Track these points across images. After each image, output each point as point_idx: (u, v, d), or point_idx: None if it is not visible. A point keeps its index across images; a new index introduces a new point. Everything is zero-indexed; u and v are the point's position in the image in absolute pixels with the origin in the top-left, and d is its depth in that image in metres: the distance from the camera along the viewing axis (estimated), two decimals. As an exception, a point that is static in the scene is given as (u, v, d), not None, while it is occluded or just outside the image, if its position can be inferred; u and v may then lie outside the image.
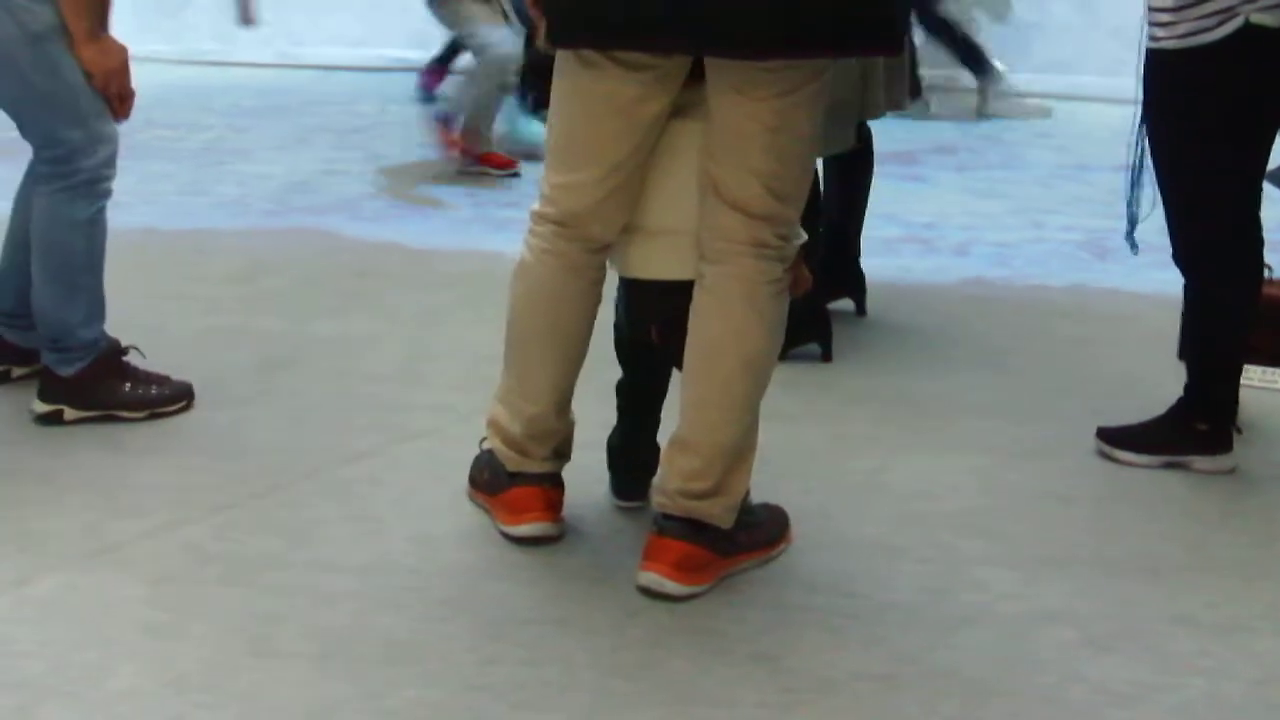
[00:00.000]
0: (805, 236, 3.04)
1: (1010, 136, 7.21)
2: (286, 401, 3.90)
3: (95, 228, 3.66)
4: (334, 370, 4.13)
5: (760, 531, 3.10)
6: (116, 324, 4.20)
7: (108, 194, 3.66)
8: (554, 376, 3.09)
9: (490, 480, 3.22)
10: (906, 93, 4.39)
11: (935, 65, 7.37)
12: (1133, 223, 3.67)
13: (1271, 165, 3.52)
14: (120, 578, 3.00)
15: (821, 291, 4.17)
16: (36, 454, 3.55)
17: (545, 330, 3.07)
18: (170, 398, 3.80)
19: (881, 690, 2.66)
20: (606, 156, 2.92)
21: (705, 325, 2.93)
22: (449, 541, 3.13)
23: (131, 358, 3.83)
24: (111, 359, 3.77)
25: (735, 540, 3.02)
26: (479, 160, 6.24)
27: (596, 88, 2.88)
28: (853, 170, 4.43)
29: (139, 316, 4.46)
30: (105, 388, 3.73)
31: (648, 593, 2.93)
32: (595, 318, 3.08)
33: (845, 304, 4.51)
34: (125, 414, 3.73)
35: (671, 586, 2.93)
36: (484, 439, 3.25)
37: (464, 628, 2.84)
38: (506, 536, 3.13)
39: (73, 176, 3.58)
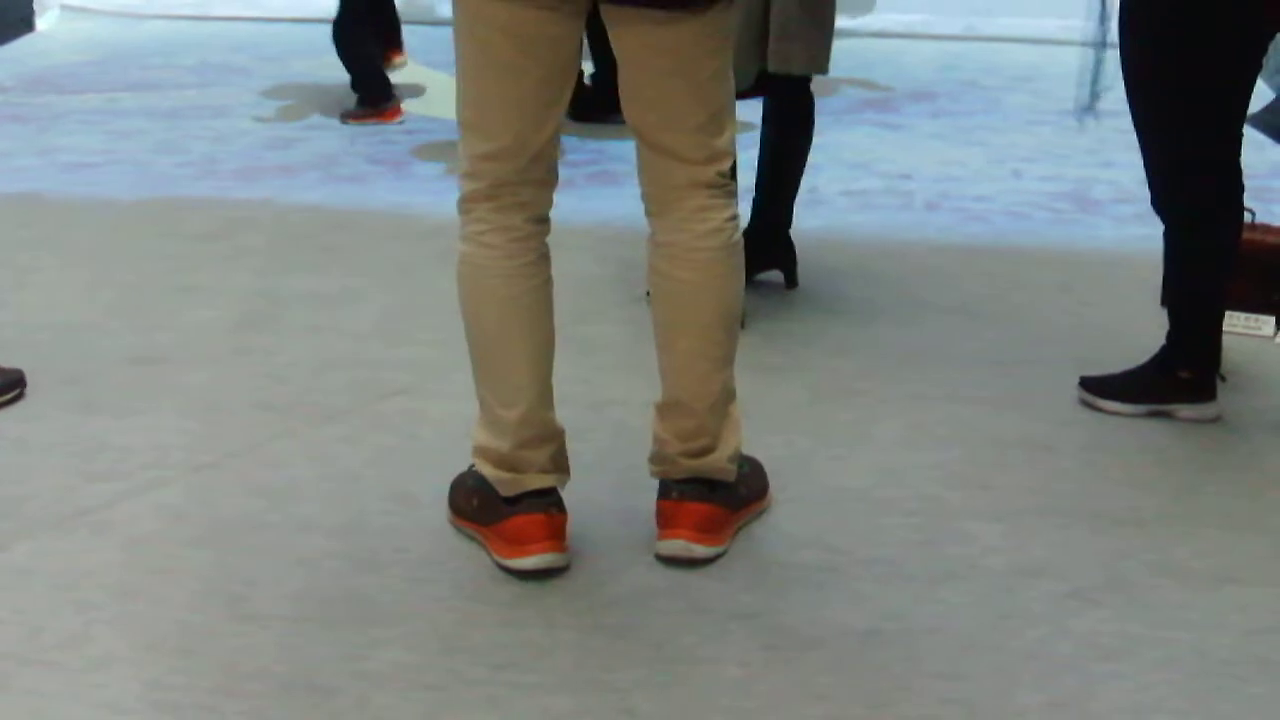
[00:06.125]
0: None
1: (990, 81, 7.14)
2: (262, 360, 3.86)
3: None
4: (311, 327, 4.08)
5: (755, 481, 3.09)
6: (90, 282, 4.17)
7: None
8: (529, 368, 2.85)
9: (481, 508, 2.93)
10: (829, 57, 4.01)
11: None
12: (1094, 95, 3.62)
13: (1254, 109, 3.49)
14: (96, 542, 2.98)
15: (750, 263, 4.11)
16: (8, 419, 3.50)
17: (508, 319, 2.83)
18: (3, 387, 3.56)
19: (865, 646, 2.65)
20: (528, 110, 2.73)
21: (675, 280, 2.85)
22: (428, 500, 3.09)
23: None
24: None
25: (738, 493, 2.99)
26: None
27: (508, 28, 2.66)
28: (788, 133, 4.17)
29: (113, 274, 4.43)
30: None
31: (674, 560, 2.89)
32: (552, 301, 2.87)
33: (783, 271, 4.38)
34: None
35: (699, 550, 2.89)
36: (471, 464, 3.01)
37: (444, 588, 2.82)
38: (507, 570, 2.85)
39: None
